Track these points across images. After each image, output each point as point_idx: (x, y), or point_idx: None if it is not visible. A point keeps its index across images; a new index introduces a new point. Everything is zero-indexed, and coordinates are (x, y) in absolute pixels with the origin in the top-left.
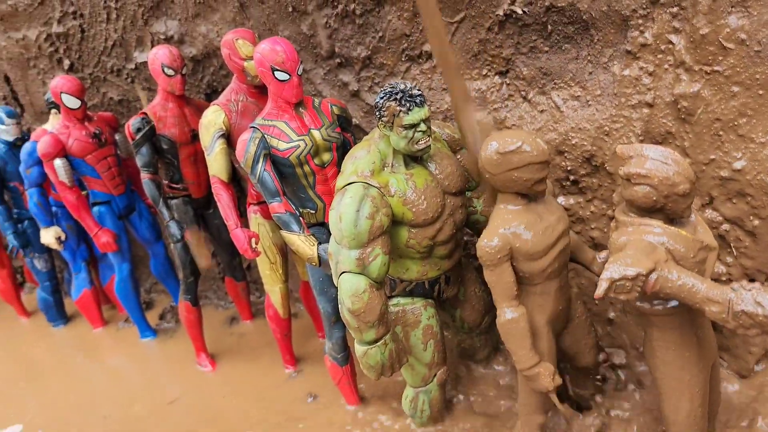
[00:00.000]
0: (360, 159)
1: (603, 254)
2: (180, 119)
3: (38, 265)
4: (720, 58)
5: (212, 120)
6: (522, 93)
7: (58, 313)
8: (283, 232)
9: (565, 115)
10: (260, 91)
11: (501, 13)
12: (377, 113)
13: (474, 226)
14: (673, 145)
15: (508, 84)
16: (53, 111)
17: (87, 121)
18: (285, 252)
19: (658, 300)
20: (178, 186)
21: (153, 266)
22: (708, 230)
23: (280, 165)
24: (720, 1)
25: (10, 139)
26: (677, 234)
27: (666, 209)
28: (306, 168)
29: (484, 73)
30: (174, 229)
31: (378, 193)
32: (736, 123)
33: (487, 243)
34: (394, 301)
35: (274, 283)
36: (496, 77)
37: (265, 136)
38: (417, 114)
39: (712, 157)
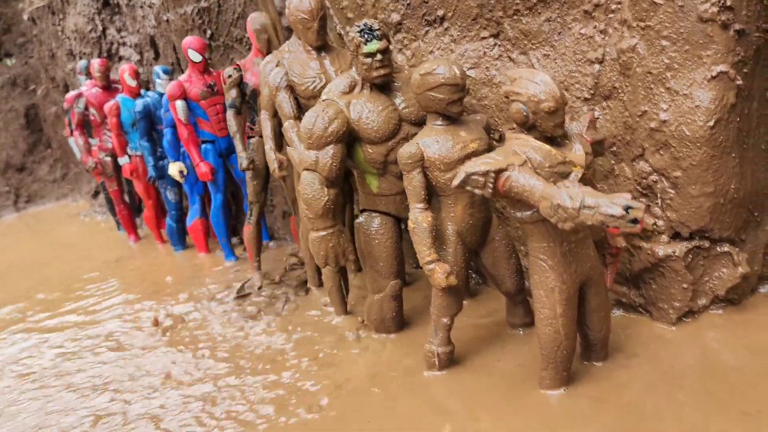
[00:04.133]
0: (335, 82)
1: None
2: None
3: (169, 196)
4: (651, 13)
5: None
6: (508, 54)
7: (179, 239)
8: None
9: None
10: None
11: None
12: (347, 44)
13: None
14: (617, 100)
15: (499, 45)
16: None
17: (206, 74)
18: None
19: (529, 208)
20: (255, 127)
21: (245, 203)
22: (584, 154)
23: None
24: None
25: (163, 91)
26: (540, 147)
27: (537, 126)
28: None
29: (482, 35)
30: (243, 159)
31: (338, 107)
32: (664, 76)
33: (404, 149)
34: (363, 214)
35: None
36: (491, 39)
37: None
38: (374, 45)
39: (644, 109)
